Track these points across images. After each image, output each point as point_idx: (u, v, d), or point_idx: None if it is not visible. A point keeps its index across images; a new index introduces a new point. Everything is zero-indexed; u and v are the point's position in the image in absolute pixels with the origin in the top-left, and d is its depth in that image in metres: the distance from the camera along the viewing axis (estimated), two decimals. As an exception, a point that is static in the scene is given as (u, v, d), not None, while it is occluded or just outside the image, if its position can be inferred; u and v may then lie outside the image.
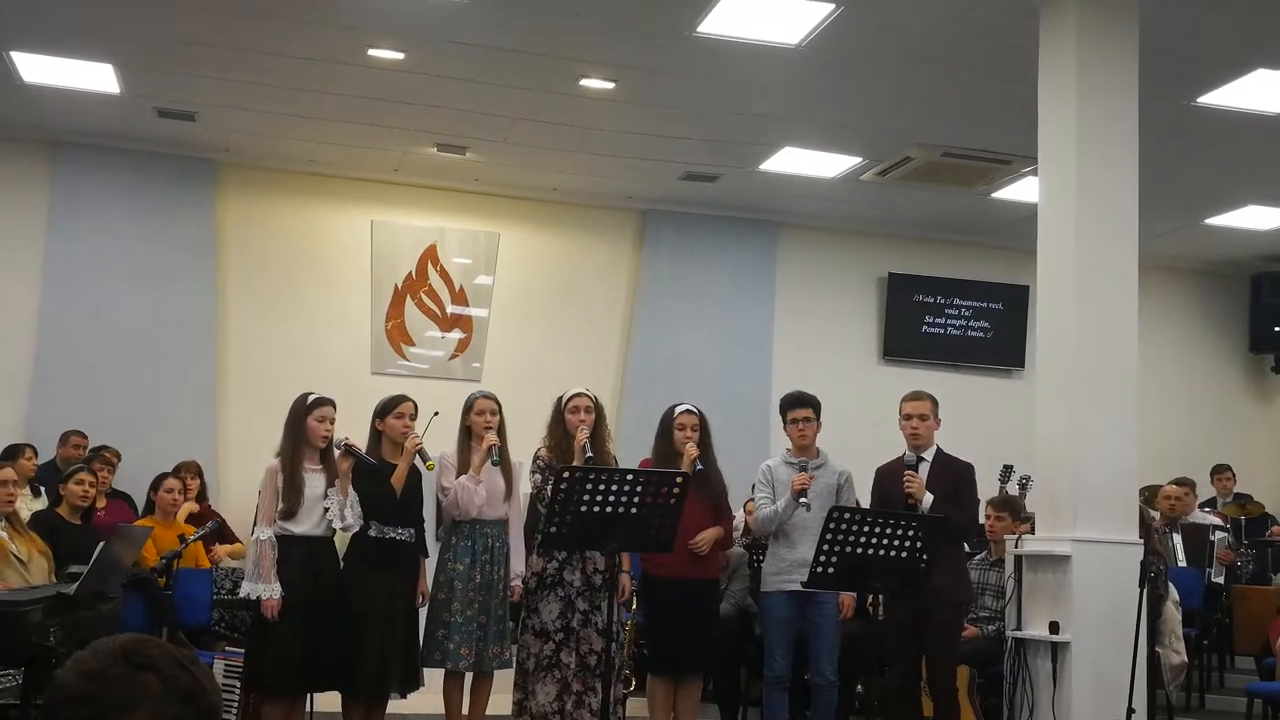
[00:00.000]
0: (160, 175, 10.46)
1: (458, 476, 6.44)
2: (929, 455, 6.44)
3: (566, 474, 5.32)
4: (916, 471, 6.30)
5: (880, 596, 6.22)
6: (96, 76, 8.92)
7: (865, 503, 6.75)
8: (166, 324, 10.35)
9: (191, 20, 7.87)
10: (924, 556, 5.54)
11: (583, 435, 6.43)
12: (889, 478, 6.46)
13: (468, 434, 6.55)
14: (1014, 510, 7.76)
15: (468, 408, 6.58)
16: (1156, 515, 8.96)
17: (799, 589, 6.43)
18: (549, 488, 6.27)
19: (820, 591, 6.31)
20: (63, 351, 10.14)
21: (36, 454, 9.03)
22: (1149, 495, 9.33)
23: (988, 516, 7.53)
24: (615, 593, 6.04)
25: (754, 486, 7.00)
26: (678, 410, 6.75)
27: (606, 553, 5.97)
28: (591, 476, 5.29)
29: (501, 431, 6.51)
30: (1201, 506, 10.46)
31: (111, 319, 10.27)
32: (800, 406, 6.86)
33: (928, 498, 6.21)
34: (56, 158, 10.36)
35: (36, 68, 8.81)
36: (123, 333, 10.26)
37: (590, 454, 6.36)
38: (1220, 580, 9.06)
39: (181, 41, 8.20)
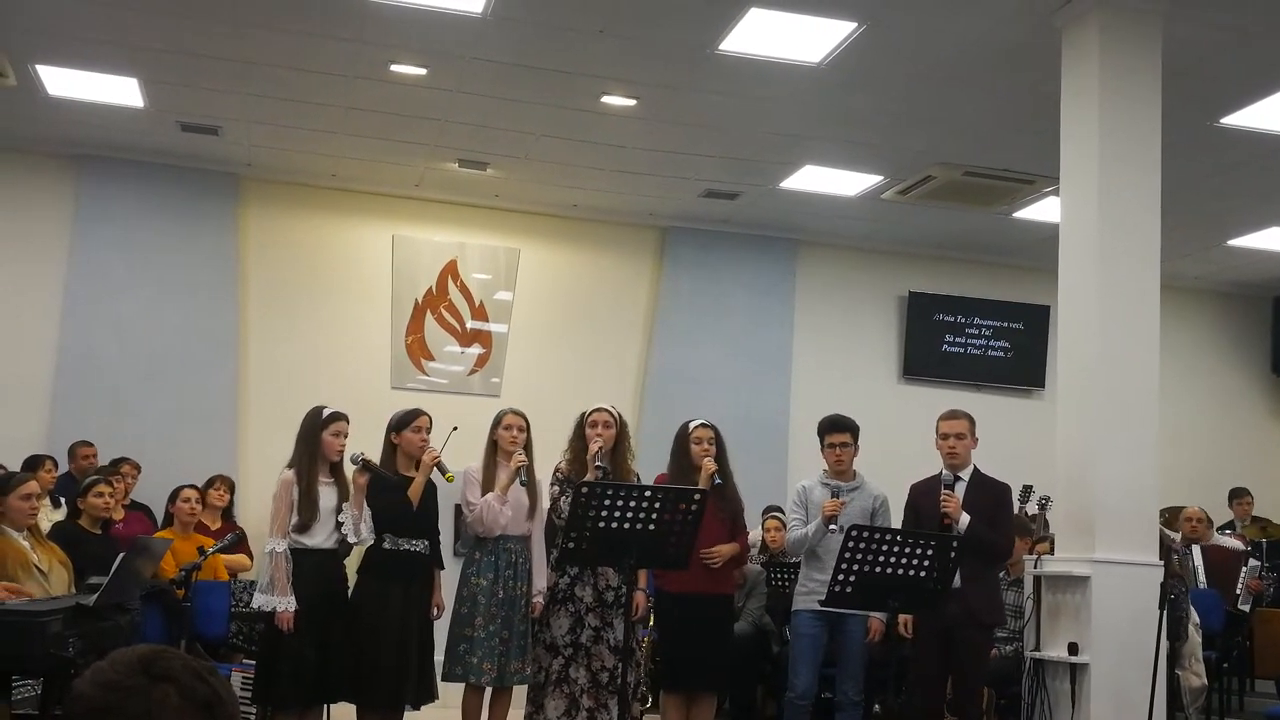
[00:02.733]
0: (183, 189, 10.52)
1: (484, 493, 6.44)
2: (966, 475, 6.38)
3: (584, 488, 5.32)
4: (953, 491, 6.26)
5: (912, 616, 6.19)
6: (121, 90, 8.98)
7: (897, 523, 6.71)
8: (188, 337, 10.41)
9: (215, 35, 7.92)
10: (946, 574, 5.51)
11: (594, 448, 6.44)
12: (923, 495, 6.41)
13: (494, 449, 6.56)
14: (1023, 530, 7.73)
15: (496, 423, 6.59)
16: (1176, 537, 8.90)
17: (829, 609, 6.42)
18: (564, 501, 6.31)
19: (850, 613, 6.28)
20: (84, 364, 10.19)
21: (57, 466, 9.07)
22: (1169, 516, 9.27)
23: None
24: (630, 610, 6.03)
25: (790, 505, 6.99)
26: (693, 425, 6.75)
27: (623, 569, 5.96)
28: (609, 492, 5.29)
29: (529, 449, 6.51)
30: (1220, 530, 10.39)
31: (133, 332, 10.33)
32: (838, 431, 6.82)
33: (964, 518, 6.16)
34: (80, 171, 10.43)
35: (62, 81, 8.88)
36: (144, 345, 10.32)
37: (603, 465, 6.36)
38: (1246, 608, 8.99)
39: (205, 56, 8.26)
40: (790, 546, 6.95)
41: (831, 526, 6.49)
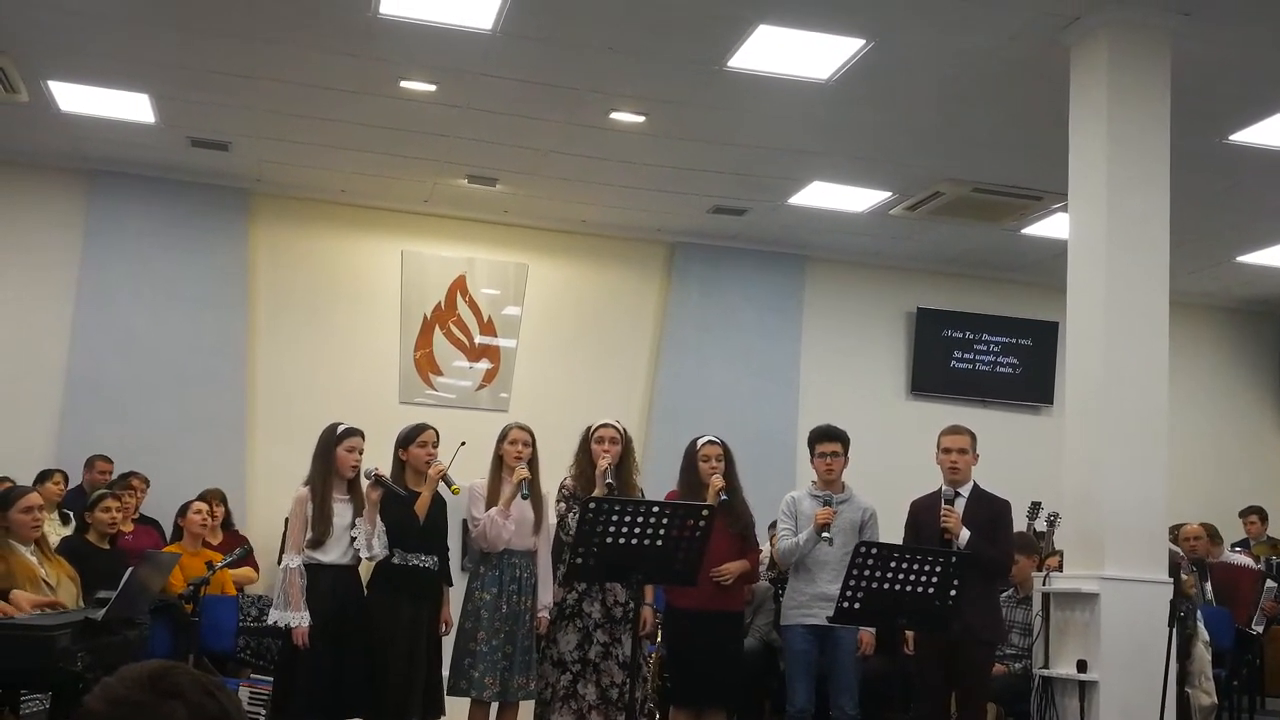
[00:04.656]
0: (193, 204, 10.56)
1: (488, 508, 6.44)
2: (966, 491, 6.37)
3: (592, 504, 5.31)
4: (953, 506, 6.26)
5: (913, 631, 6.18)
6: (132, 106, 9.03)
7: (894, 538, 6.70)
8: (197, 352, 10.42)
9: (226, 51, 7.95)
10: (951, 592, 5.51)
11: (603, 464, 6.44)
12: (924, 511, 6.41)
13: (499, 463, 6.56)
14: (1029, 547, 7.71)
15: (502, 437, 6.59)
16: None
17: (818, 623, 6.42)
18: (571, 517, 6.31)
19: (839, 626, 6.27)
20: (94, 377, 10.21)
21: (67, 479, 9.07)
22: (1174, 534, 9.23)
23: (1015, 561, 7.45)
24: (638, 626, 6.02)
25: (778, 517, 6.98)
26: (701, 441, 6.74)
27: (629, 585, 5.94)
28: (617, 508, 5.28)
29: (534, 464, 6.51)
30: (1233, 547, 10.34)
31: (143, 346, 10.35)
32: (828, 440, 6.84)
33: (964, 533, 6.16)
34: (91, 186, 10.47)
35: (74, 97, 8.92)
36: (154, 360, 10.34)
37: (611, 482, 6.36)
38: (1260, 629, 8.95)
39: (216, 72, 8.29)
40: (781, 556, 6.92)
41: (825, 535, 6.49)
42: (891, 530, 6.79)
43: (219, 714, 1.67)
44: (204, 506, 8.34)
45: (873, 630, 6.55)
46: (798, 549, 6.66)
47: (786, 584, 8.01)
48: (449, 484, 6.37)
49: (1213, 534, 9.69)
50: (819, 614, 6.48)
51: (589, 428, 6.66)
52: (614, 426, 6.61)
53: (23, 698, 5.42)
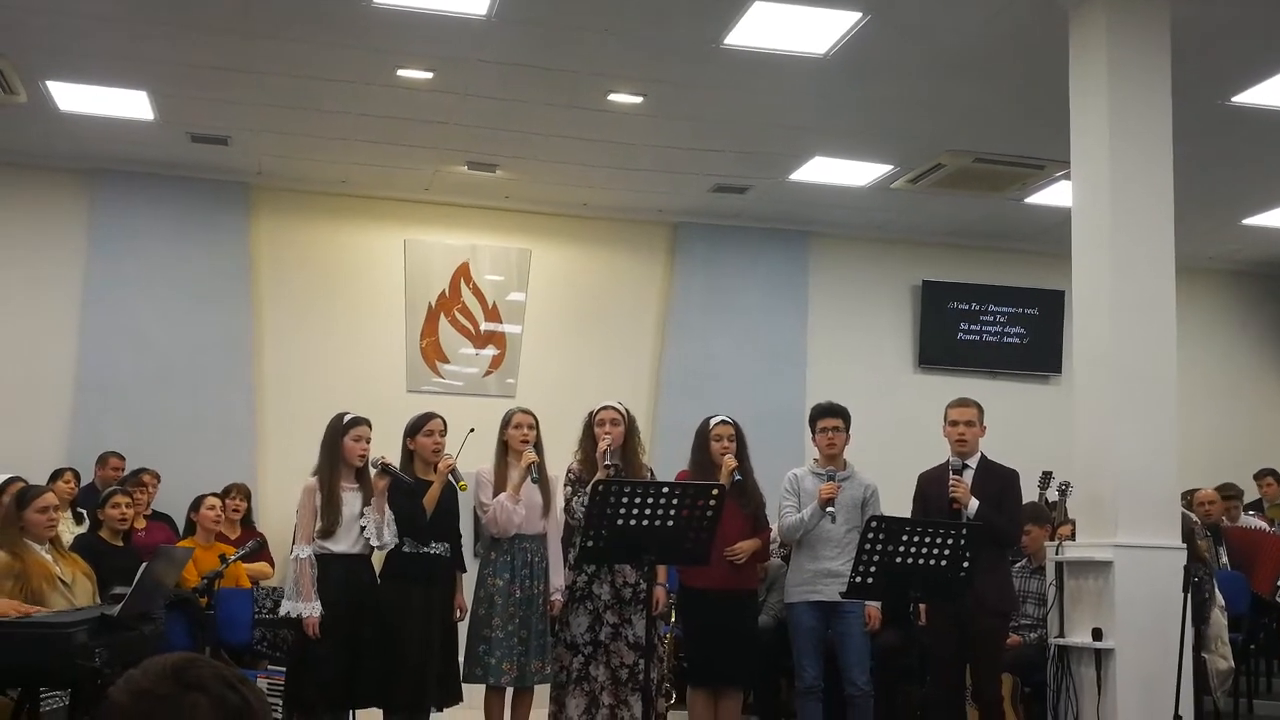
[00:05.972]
0: (195, 199, 10.56)
1: (496, 493, 6.45)
2: (973, 462, 6.40)
3: (601, 486, 5.31)
4: (961, 477, 6.27)
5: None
6: (131, 104, 9.02)
7: (902, 512, 6.69)
8: (204, 346, 10.44)
9: (223, 46, 7.94)
10: (964, 564, 5.51)
11: (602, 446, 6.45)
12: (932, 483, 6.43)
13: (505, 449, 6.57)
14: (1041, 517, 7.71)
15: (505, 423, 6.61)
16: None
17: (823, 599, 6.44)
18: (577, 502, 6.33)
19: (845, 601, 6.28)
20: (102, 375, 10.23)
21: (78, 478, 9.10)
22: (1189, 500, 9.21)
23: (1026, 532, 7.45)
24: (650, 606, 6.03)
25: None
26: (713, 422, 6.74)
27: (640, 565, 5.96)
28: (626, 489, 5.28)
29: (539, 447, 6.52)
30: (1246, 509, 10.32)
31: (150, 343, 10.36)
32: (830, 416, 6.84)
33: (973, 503, 6.18)
34: (93, 185, 10.47)
35: (72, 96, 8.91)
36: (161, 356, 10.35)
37: (613, 463, 6.37)
38: None
39: (213, 67, 8.28)
40: (785, 533, 6.93)
41: (829, 510, 6.50)
42: (901, 503, 6.79)
43: (240, 706, 1.68)
44: (217, 501, 8.37)
45: (878, 604, 6.55)
46: (802, 525, 6.67)
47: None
48: (457, 479, 6.38)
49: (1234, 494, 9.64)
50: (823, 590, 6.50)
51: (590, 412, 6.67)
52: (615, 408, 6.62)
53: (43, 695, 5.45)
